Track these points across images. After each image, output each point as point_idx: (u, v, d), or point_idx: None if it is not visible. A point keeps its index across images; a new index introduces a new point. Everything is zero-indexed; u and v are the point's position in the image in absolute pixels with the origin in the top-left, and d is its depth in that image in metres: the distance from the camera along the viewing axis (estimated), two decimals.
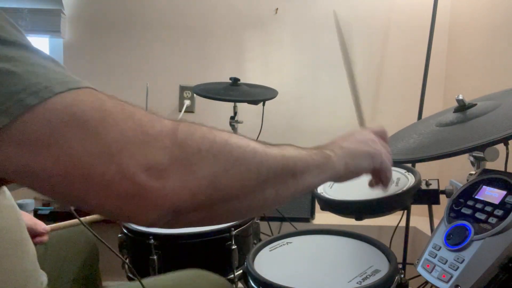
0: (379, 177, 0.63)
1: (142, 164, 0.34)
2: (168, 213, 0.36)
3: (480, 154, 0.76)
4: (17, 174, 0.32)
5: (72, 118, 0.32)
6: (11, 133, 0.30)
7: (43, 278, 0.72)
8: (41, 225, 0.93)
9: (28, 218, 0.92)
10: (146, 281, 0.79)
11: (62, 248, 1.01)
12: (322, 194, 0.92)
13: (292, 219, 1.69)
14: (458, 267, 0.60)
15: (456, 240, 0.63)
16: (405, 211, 1.56)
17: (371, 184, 0.67)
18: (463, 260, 0.60)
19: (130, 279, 1.10)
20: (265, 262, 0.82)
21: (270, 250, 0.88)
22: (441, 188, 0.86)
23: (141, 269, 1.05)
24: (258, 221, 1.28)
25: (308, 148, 0.52)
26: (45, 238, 0.94)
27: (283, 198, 0.46)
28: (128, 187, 0.33)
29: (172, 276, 0.85)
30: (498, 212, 0.61)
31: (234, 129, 1.50)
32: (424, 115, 1.61)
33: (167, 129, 0.36)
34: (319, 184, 0.51)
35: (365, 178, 1.00)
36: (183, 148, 0.36)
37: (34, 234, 0.90)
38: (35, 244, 0.88)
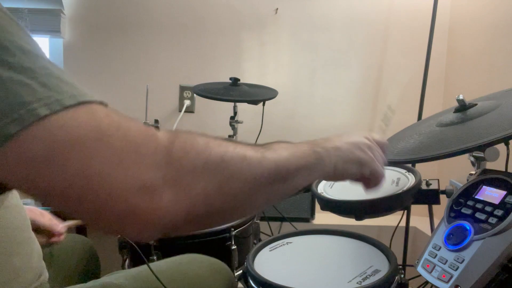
0: (368, 183, 0.63)
1: (135, 185, 0.34)
2: (162, 230, 0.37)
3: (480, 154, 0.76)
4: (19, 183, 0.33)
5: (69, 137, 0.33)
6: (19, 142, 0.31)
7: (45, 273, 0.73)
8: (57, 226, 0.93)
9: (48, 219, 0.92)
10: (142, 267, 0.79)
11: (63, 254, 1.00)
12: (322, 194, 0.92)
13: (292, 219, 1.69)
14: (458, 267, 0.60)
15: (456, 240, 0.63)
16: (405, 211, 1.56)
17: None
18: (463, 260, 0.60)
19: None
20: (265, 262, 0.82)
21: (270, 250, 0.88)
22: (441, 188, 0.86)
23: None
24: (258, 221, 1.28)
25: (302, 143, 0.52)
26: (61, 238, 0.94)
27: (272, 202, 0.48)
28: (121, 208, 0.34)
29: (168, 260, 0.85)
30: (498, 212, 0.61)
31: (234, 129, 1.50)
32: (424, 115, 1.61)
33: (161, 148, 0.37)
34: (307, 184, 0.52)
35: None
36: (177, 167, 0.37)
37: (51, 234, 0.91)
38: (51, 244, 0.91)
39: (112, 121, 0.36)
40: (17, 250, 0.62)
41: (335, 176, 0.55)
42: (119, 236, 1.11)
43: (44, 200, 0.34)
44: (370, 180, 0.61)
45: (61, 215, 0.95)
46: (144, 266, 0.77)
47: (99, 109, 0.36)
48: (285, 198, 0.50)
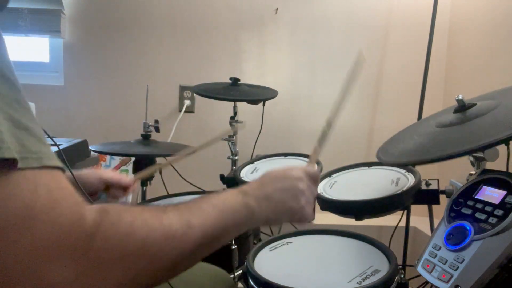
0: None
1: (42, 284, 0.32)
2: None
3: (480, 154, 0.76)
4: None
5: None
6: None
7: None
8: (126, 179, 0.94)
9: (112, 174, 0.92)
10: None
11: None
12: (322, 194, 0.92)
13: None
14: (458, 267, 0.60)
15: (456, 240, 0.63)
16: (405, 211, 1.56)
17: None
18: (463, 260, 0.60)
19: None
20: (265, 262, 0.82)
21: (270, 250, 0.88)
22: (441, 188, 0.86)
23: None
24: None
25: (234, 193, 0.52)
26: (134, 186, 0.95)
27: (195, 264, 0.47)
28: None
29: None
30: (498, 212, 0.61)
31: (234, 129, 1.50)
32: (424, 115, 1.61)
33: (85, 235, 0.35)
34: (236, 237, 0.52)
35: (365, 178, 1.01)
36: (94, 260, 0.35)
37: (121, 187, 0.92)
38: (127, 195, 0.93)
39: (48, 201, 0.33)
40: None
41: (266, 225, 0.58)
42: None
43: None
44: (297, 223, 0.64)
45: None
46: None
47: (43, 181, 0.34)
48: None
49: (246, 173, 1.19)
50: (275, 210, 0.56)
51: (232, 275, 1.07)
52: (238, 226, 0.51)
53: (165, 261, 0.40)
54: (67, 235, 0.34)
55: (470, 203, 0.67)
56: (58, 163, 0.36)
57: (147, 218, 0.40)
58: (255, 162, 1.27)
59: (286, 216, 0.59)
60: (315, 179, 0.65)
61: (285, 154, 1.28)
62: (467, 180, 0.74)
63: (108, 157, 1.84)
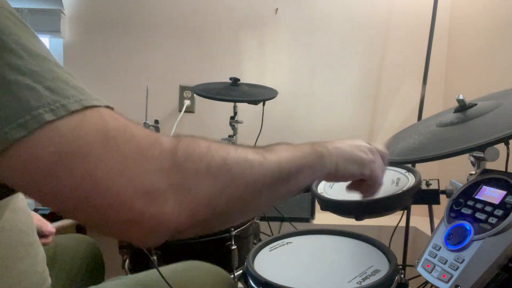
0: (366, 185, 0.63)
1: (140, 190, 0.34)
2: (166, 235, 0.37)
3: (480, 154, 0.76)
4: (24, 187, 0.33)
5: (75, 143, 0.33)
6: (24, 147, 0.31)
7: (48, 279, 0.73)
8: (47, 227, 0.93)
9: (37, 219, 0.91)
10: (146, 272, 0.79)
11: (67, 255, 0.99)
12: (322, 194, 0.92)
13: (292, 219, 1.69)
14: (458, 267, 0.60)
15: (456, 240, 0.63)
16: (405, 211, 1.56)
17: (350, 187, 0.67)
18: (463, 260, 0.60)
19: None
20: (265, 262, 0.82)
21: (270, 250, 0.88)
22: (441, 188, 0.86)
23: (141, 269, 1.05)
24: (258, 221, 1.28)
25: (303, 144, 0.53)
26: (49, 239, 0.93)
27: (275, 202, 0.48)
28: (126, 213, 0.34)
29: (171, 267, 0.85)
30: (498, 212, 0.61)
31: (234, 129, 1.50)
32: (424, 115, 1.61)
33: (166, 152, 0.37)
34: (309, 183, 0.52)
35: None
36: (181, 171, 0.37)
37: (40, 235, 0.89)
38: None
39: (119, 124, 0.36)
40: (23, 254, 0.62)
41: (337, 175, 0.56)
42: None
43: (47, 204, 0.34)
44: (368, 184, 0.62)
45: (50, 217, 0.94)
46: (146, 272, 0.77)
47: (106, 112, 0.36)
48: (288, 198, 0.50)
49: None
50: (345, 157, 0.56)
51: (232, 275, 1.07)
52: (310, 168, 0.51)
53: (247, 183, 0.42)
54: (149, 150, 0.36)
55: (470, 203, 0.67)
56: (110, 106, 0.38)
57: (222, 145, 0.42)
58: None
59: (356, 165, 0.58)
60: (382, 154, 0.64)
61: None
62: (467, 180, 0.74)
63: None
